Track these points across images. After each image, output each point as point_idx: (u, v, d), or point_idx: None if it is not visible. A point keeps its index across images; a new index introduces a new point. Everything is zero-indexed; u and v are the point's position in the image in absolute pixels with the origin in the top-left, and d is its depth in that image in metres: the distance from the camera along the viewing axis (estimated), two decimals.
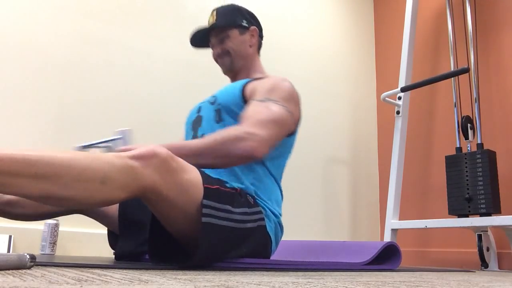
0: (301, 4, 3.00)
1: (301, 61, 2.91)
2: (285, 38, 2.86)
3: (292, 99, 1.32)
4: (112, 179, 0.89)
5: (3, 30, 1.92)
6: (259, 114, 1.21)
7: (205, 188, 1.04)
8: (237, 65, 1.46)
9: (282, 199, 1.37)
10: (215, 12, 1.46)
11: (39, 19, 2.01)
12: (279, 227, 1.30)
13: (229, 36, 1.44)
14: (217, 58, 1.48)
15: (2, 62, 1.89)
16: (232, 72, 1.49)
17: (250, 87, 1.34)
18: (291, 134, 1.37)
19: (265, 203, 1.26)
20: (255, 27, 1.49)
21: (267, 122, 1.20)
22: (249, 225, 1.14)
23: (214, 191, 1.06)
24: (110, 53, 2.17)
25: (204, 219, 1.01)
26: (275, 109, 1.24)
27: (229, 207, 1.08)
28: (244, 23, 1.46)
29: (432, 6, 2.95)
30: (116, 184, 0.90)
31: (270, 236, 1.24)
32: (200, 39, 1.50)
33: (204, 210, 1.02)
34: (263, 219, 1.21)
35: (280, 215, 1.33)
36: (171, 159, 0.98)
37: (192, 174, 1.03)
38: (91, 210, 1.43)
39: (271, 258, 1.38)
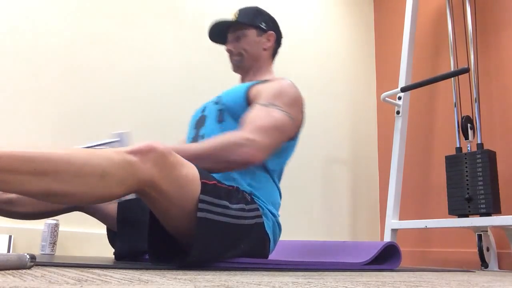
0: (301, 4, 3.00)
1: (301, 61, 2.91)
2: (285, 39, 2.85)
3: (295, 105, 1.32)
4: (111, 174, 0.89)
5: (3, 30, 1.92)
6: (260, 119, 1.21)
7: (203, 183, 1.04)
8: (247, 65, 1.48)
9: (280, 201, 1.36)
10: (237, 11, 1.49)
11: (39, 19, 2.01)
12: (277, 225, 1.30)
13: (246, 35, 1.46)
14: (230, 54, 1.49)
15: (2, 62, 1.89)
16: (242, 70, 1.50)
17: (254, 89, 1.34)
18: (292, 139, 1.37)
19: (262, 202, 1.26)
20: (273, 32, 1.51)
21: (267, 128, 1.20)
22: (246, 221, 1.14)
23: (211, 186, 1.06)
24: (111, 53, 2.17)
25: (199, 214, 1.01)
26: (277, 115, 1.24)
27: (226, 203, 1.09)
28: (263, 26, 1.48)
29: (432, 6, 2.95)
30: (115, 179, 0.90)
31: (268, 234, 1.24)
32: (218, 33, 1.51)
33: (200, 205, 1.02)
34: (260, 216, 1.21)
35: (278, 215, 1.33)
36: (169, 153, 0.98)
37: (190, 170, 1.03)
38: (91, 208, 1.43)
39: (271, 257, 1.38)
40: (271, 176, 1.33)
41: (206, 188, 1.04)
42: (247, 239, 1.15)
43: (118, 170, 0.90)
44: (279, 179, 1.39)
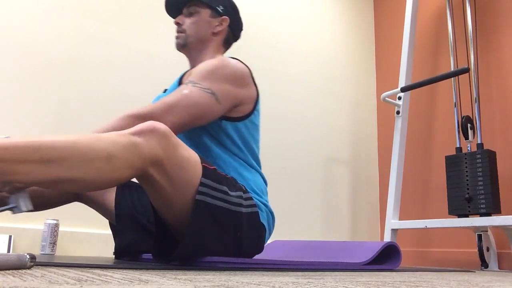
0: (301, 4, 3.00)
1: (301, 61, 2.91)
2: (285, 38, 2.86)
3: (214, 77, 1.21)
4: (117, 157, 0.90)
5: (3, 30, 1.92)
6: (165, 98, 1.15)
7: (204, 167, 1.04)
8: (190, 45, 1.40)
9: (266, 185, 1.33)
10: None
11: (39, 19, 2.01)
12: (271, 215, 1.30)
13: (199, 12, 1.40)
14: (177, 28, 1.43)
15: (2, 62, 1.89)
16: (184, 50, 1.42)
17: (188, 73, 1.31)
18: (244, 117, 1.27)
19: (253, 194, 1.25)
20: (227, 17, 1.43)
21: (171, 104, 1.13)
22: (243, 210, 1.14)
23: (212, 171, 1.06)
24: (110, 53, 2.17)
25: (198, 197, 1.01)
26: (187, 91, 1.16)
27: (226, 189, 1.09)
28: (220, 9, 1.42)
29: (432, 6, 2.95)
30: (121, 161, 0.90)
31: (264, 225, 1.24)
32: (175, 6, 1.45)
33: (200, 188, 1.02)
34: (255, 206, 1.20)
35: (267, 202, 1.29)
36: (171, 134, 0.99)
37: (191, 153, 1.04)
38: (91, 199, 1.41)
39: (270, 258, 1.38)
40: (246, 162, 1.28)
41: (207, 172, 1.04)
42: (243, 229, 1.14)
43: (124, 152, 0.91)
44: (257, 162, 1.32)
